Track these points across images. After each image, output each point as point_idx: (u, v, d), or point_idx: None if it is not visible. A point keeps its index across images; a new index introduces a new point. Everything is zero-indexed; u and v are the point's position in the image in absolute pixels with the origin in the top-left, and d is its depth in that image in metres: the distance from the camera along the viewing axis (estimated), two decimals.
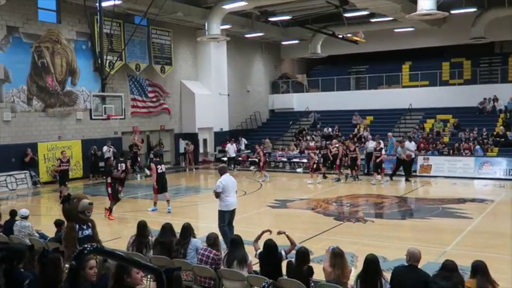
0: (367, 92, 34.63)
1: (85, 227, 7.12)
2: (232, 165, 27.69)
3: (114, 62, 25.68)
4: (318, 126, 33.03)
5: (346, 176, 22.75)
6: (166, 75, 29.72)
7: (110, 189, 15.64)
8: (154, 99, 29.44)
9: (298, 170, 24.25)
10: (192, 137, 30.70)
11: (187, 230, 8.43)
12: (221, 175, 11.14)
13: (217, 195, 10.96)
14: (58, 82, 24.57)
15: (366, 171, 24.09)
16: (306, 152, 24.67)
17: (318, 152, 23.73)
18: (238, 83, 35.82)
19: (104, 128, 26.44)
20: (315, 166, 21.98)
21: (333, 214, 15.73)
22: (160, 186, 15.93)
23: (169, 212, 15.94)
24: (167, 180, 16.33)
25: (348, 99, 34.27)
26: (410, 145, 23.00)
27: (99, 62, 24.91)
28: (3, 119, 22.54)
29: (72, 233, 6.94)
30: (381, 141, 23.23)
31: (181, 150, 30.08)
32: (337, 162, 22.92)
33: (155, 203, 16.36)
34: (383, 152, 22.29)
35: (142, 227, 8.75)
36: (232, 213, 11.12)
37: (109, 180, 15.83)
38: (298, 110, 36.44)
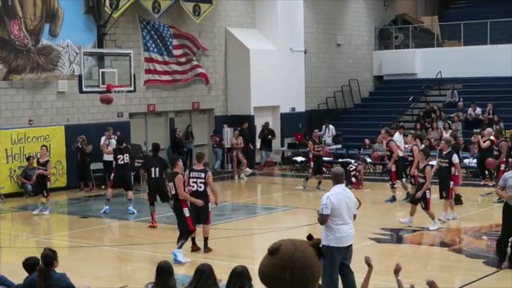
0: None
1: None
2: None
3: None
4: (459, 104, 32.53)
5: None
6: (202, 19, 29.92)
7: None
8: (183, 60, 29.71)
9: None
10: (245, 123, 30.74)
11: (241, 278, 8.51)
12: (334, 185, 11.41)
13: (323, 219, 11.15)
14: (29, 32, 25.19)
15: None
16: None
17: None
18: (323, 33, 35.63)
19: (101, 106, 26.53)
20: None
21: (482, 255, 15.55)
22: (117, 180, 20.88)
23: (132, 213, 20.75)
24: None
25: (510, 58, 33.49)
26: None
27: None
28: None
29: None
30: None
31: (227, 144, 30.39)
32: (502, 165, 22.45)
33: (108, 200, 21.23)
34: None
35: (163, 271, 8.94)
36: (347, 251, 11.37)
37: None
38: (423, 76, 36.03)
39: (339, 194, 11.17)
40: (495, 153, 23.30)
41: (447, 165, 18.90)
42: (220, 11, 31.12)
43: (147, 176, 19.25)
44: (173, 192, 15.45)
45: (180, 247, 15.09)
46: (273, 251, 4.02)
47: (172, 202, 17.44)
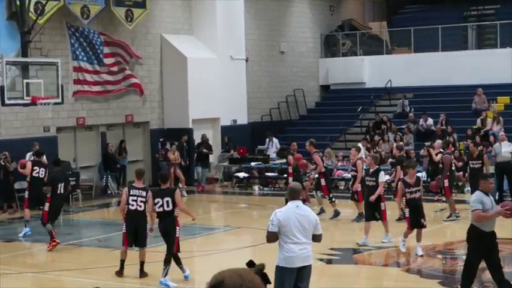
0: (498, 52, 34.53)
1: None
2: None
3: (44, 2, 25.36)
4: (410, 115, 32.80)
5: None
6: (135, 25, 29.64)
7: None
8: (115, 69, 29.38)
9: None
10: (185, 135, 30.37)
11: None
12: (287, 201, 11.48)
13: (270, 237, 11.14)
14: None
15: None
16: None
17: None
18: (265, 39, 35.71)
19: (26, 120, 26.57)
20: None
21: (437, 275, 15.86)
22: (34, 198, 20.29)
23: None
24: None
25: (463, 65, 34.00)
26: None
27: (18, 2, 24.50)
28: None
29: None
30: None
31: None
32: (445, 181, 22.41)
33: (27, 222, 20.54)
34: None
35: None
36: (300, 273, 11.17)
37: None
38: (372, 85, 36.38)
39: (288, 211, 11.04)
40: (440, 166, 22.85)
41: (374, 183, 18.55)
42: (155, 17, 30.84)
43: (51, 192, 18.90)
44: (166, 208, 15.03)
45: (165, 275, 14.96)
46: (216, 285, 3.83)
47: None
